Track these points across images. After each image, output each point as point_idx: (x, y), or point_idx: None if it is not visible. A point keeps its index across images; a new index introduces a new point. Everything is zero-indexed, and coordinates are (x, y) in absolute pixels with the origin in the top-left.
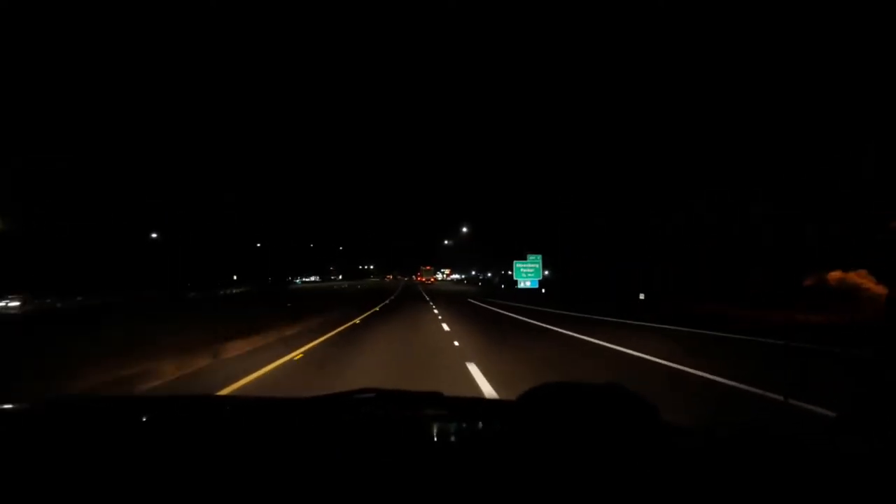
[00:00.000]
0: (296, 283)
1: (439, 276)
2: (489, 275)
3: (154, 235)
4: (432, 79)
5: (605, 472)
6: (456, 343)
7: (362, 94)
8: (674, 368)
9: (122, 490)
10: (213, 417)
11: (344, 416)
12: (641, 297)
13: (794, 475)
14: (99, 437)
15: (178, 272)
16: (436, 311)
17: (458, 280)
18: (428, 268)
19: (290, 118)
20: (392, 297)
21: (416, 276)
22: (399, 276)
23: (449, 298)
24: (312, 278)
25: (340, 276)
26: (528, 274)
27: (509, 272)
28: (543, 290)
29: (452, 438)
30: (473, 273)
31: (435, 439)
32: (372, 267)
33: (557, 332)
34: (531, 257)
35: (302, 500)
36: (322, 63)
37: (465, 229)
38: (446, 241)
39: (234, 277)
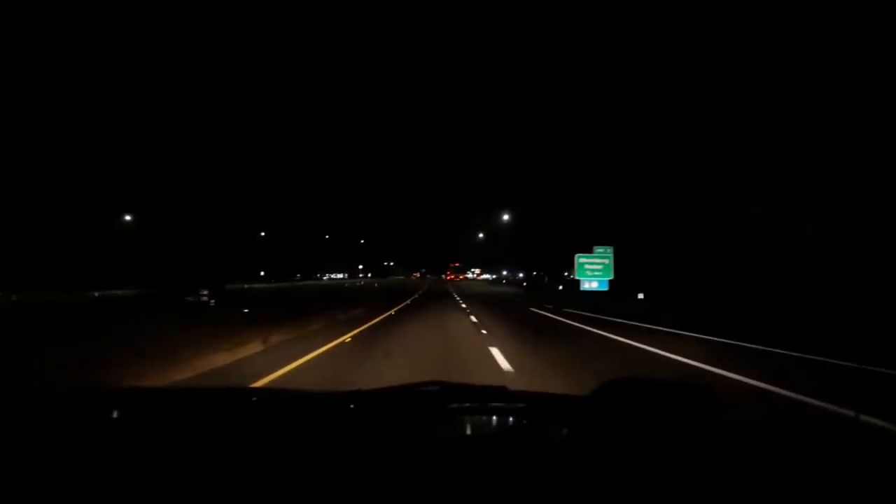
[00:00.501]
0: (323, 279)
1: (469, 276)
2: (520, 274)
3: (128, 218)
4: (446, 74)
5: (674, 470)
6: None
7: (376, 94)
8: None
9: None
10: (280, 410)
11: (413, 409)
12: None
13: (856, 476)
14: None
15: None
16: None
17: (491, 280)
18: (456, 264)
19: (310, 117)
20: (412, 299)
21: (446, 275)
22: (427, 275)
23: (494, 305)
24: (341, 275)
25: (370, 274)
26: (594, 272)
27: (566, 272)
28: (640, 297)
29: (525, 432)
30: (505, 273)
31: (509, 433)
32: (392, 264)
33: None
34: (599, 250)
35: (381, 494)
36: (339, 61)
37: (506, 216)
38: (480, 235)
39: (262, 273)
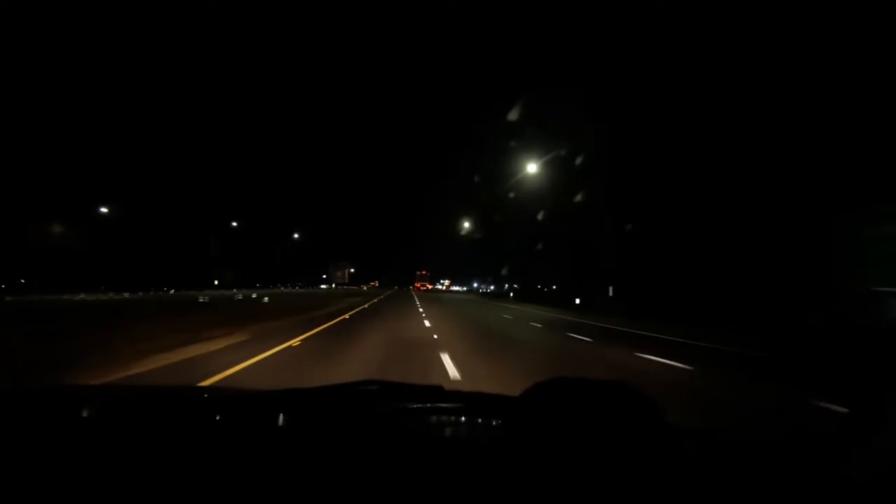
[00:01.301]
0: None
1: (439, 286)
2: (491, 286)
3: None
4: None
5: (609, 469)
6: None
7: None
8: None
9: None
10: (213, 409)
11: (348, 409)
12: None
13: (795, 481)
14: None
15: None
16: None
17: (466, 290)
18: (424, 272)
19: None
20: None
21: (414, 285)
22: (395, 286)
23: None
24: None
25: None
26: None
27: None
28: None
29: (456, 433)
30: (476, 284)
31: (440, 433)
32: (351, 271)
33: None
34: None
35: (310, 493)
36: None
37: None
38: (466, 224)
39: (257, 284)
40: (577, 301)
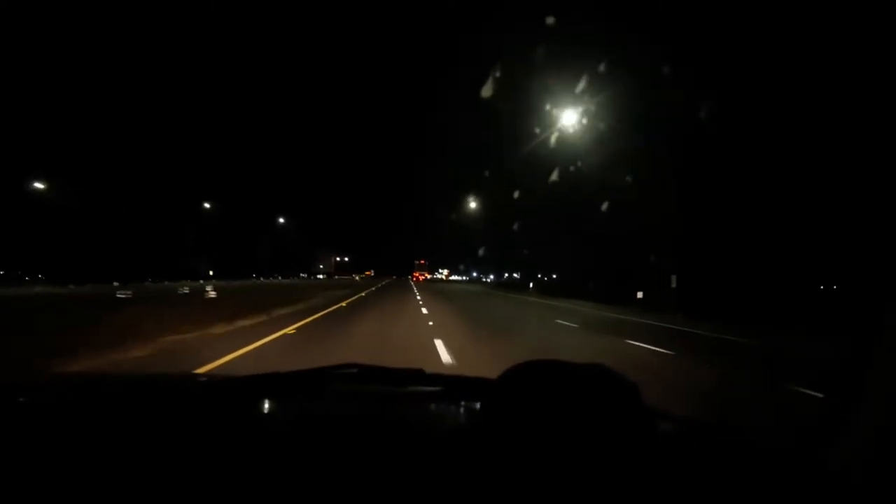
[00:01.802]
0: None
1: (438, 276)
2: (491, 276)
3: None
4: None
5: (585, 451)
6: None
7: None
8: None
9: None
10: (189, 396)
11: (327, 392)
12: None
13: (767, 468)
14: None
15: None
16: None
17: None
18: (422, 262)
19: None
20: None
21: (413, 275)
22: (394, 276)
23: None
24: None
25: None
26: None
27: None
28: None
29: (433, 415)
30: (475, 273)
31: (416, 419)
32: (346, 259)
33: None
34: None
35: (282, 477)
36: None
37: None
38: (473, 203)
39: (254, 276)
40: (640, 295)
